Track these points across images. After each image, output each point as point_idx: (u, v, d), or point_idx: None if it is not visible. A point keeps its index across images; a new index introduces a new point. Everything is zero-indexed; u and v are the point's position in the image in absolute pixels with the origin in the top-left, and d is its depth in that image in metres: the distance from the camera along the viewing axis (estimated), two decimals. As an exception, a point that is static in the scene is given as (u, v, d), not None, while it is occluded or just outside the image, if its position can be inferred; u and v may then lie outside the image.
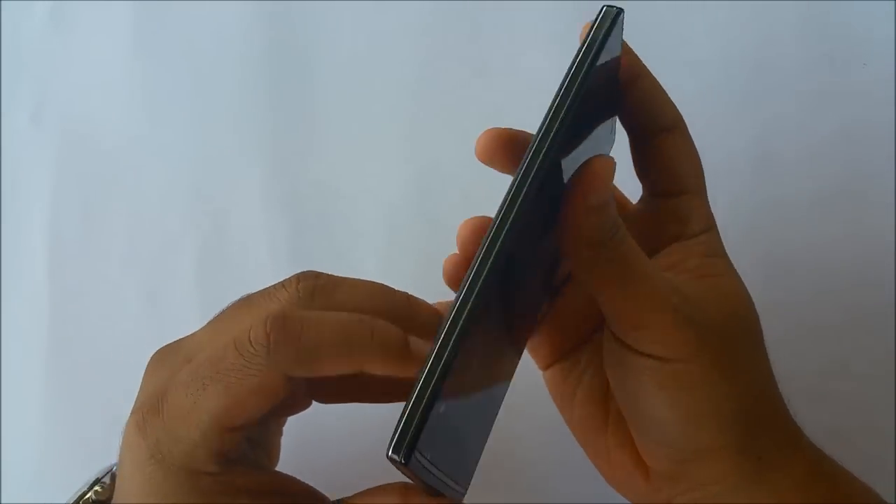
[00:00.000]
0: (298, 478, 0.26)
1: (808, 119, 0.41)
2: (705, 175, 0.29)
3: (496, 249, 0.21)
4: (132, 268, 0.41)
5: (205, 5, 0.45)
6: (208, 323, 0.26)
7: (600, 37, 0.23)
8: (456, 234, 0.27)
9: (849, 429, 0.32)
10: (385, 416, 0.23)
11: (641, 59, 0.28)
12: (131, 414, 0.25)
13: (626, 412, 0.28)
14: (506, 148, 0.27)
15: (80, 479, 0.29)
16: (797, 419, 0.28)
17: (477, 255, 0.22)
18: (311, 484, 0.26)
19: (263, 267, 0.41)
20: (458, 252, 0.27)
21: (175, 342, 0.27)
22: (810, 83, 0.41)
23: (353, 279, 0.26)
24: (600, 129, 0.27)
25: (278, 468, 0.28)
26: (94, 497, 0.28)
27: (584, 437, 0.30)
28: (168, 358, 0.26)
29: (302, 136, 0.43)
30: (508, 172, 0.29)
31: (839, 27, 0.42)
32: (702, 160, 0.29)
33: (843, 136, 0.40)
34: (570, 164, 0.24)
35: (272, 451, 0.29)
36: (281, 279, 0.26)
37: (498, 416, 0.27)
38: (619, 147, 0.30)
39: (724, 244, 0.29)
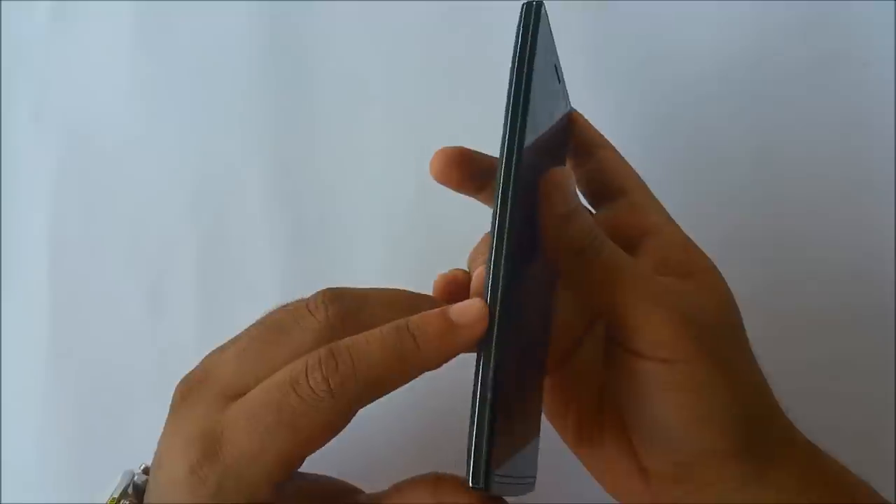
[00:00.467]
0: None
1: (808, 119, 0.41)
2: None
3: (503, 256, 0.23)
4: (132, 268, 0.41)
5: (206, 5, 0.45)
6: (233, 348, 0.26)
7: (530, 34, 0.24)
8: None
9: (849, 428, 0.32)
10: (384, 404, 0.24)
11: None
12: (181, 456, 0.24)
13: (627, 417, 0.28)
14: (461, 167, 0.28)
15: (80, 478, 0.29)
16: (796, 419, 0.28)
17: (487, 269, 0.23)
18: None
19: (263, 267, 0.41)
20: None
21: (199, 372, 0.26)
22: (810, 83, 0.41)
23: (372, 290, 0.26)
24: (556, 105, 0.28)
25: None
26: None
27: (580, 446, 0.30)
28: (198, 392, 0.25)
29: (302, 135, 0.43)
30: (465, 192, 0.29)
31: (839, 27, 0.42)
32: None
33: (843, 136, 0.40)
34: (541, 158, 0.25)
35: None
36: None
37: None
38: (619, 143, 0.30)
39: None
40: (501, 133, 0.23)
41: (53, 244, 0.42)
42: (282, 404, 0.23)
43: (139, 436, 0.27)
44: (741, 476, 0.26)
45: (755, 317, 0.28)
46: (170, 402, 0.26)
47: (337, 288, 0.25)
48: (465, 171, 0.28)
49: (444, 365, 0.24)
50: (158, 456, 0.25)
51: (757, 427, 0.27)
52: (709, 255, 0.29)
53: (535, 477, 0.28)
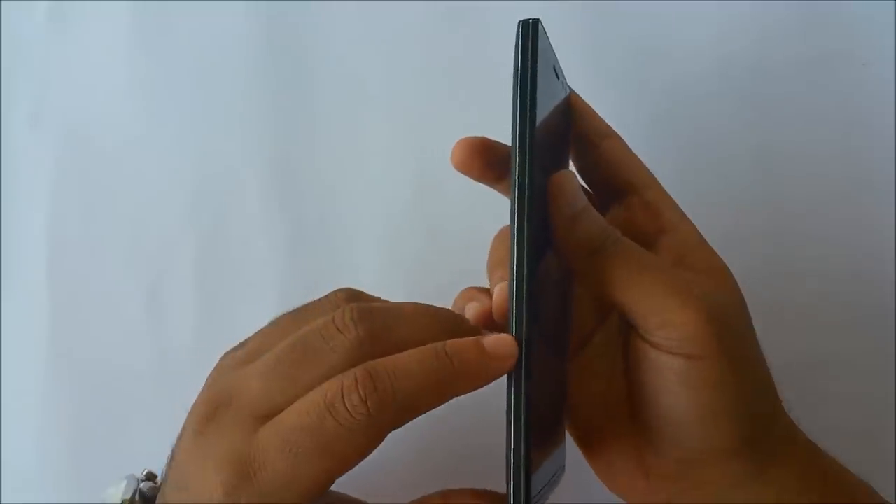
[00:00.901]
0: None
1: (808, 118, 0.41)
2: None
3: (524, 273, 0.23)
4: (131, 268, 0.41)
5: (205, 5, 0.45)
6: (258, 366, 0.25)
7: (530, 57, 0.24)
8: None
9: (849, 428, 0.32)
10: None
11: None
12: (213, 479, 0.23)
13: (641, 412, 0.28)
14: (482, 156, 0.28)
15: (80, 478, 0.29)
16: (796, 418, 0.28)
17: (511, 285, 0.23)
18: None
19: (263, 267, 0.41)
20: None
21: (221, 393, 0.25)
22: (810, 82, 0.41)
23: (397, 306, 0.25)
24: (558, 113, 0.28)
25: None
26: None
27: (585, 443, 0.30)
28: (225, 413, 0.25)
29: (301, 136, 0.43)
30: (485, 182, 0.29)
31: (839, 27, 0.42)
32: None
33: (843, 135, 0.40)
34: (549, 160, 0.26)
35: None
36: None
37: (495, 418, 0.27)
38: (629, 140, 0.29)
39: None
40: (511, 155, 0.23)
41: (53, 244, 0.42)
42: (317, 427, 0.22)
43: (139, 436, 0.27)
44: (743, 474, 0.26)
45: (755, 316, 0.28)
46: (188, 423, 0.26)
47: (364, 305, 0.25)
48: (485, 160, 0.28)
49: None
50: (182, 477, 0.25)
51: (761, 425, 0.27)
52: (709, 254, 0.29)
53: (563, 466, 0.29)
